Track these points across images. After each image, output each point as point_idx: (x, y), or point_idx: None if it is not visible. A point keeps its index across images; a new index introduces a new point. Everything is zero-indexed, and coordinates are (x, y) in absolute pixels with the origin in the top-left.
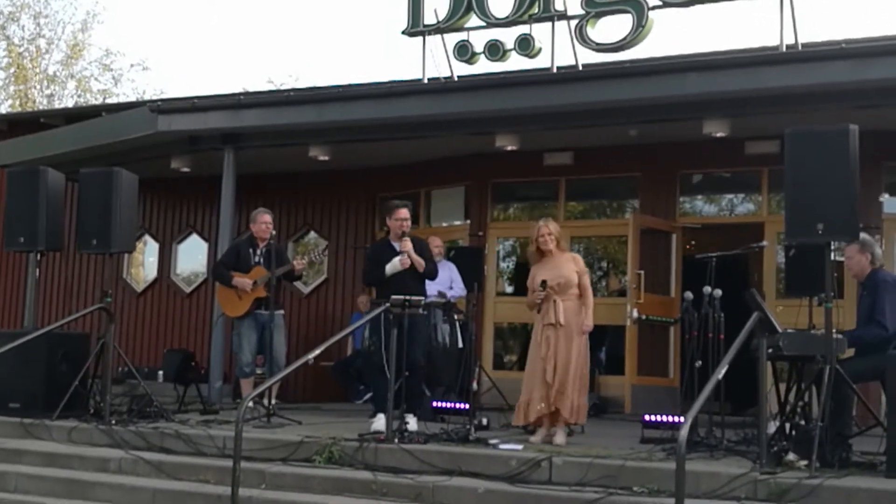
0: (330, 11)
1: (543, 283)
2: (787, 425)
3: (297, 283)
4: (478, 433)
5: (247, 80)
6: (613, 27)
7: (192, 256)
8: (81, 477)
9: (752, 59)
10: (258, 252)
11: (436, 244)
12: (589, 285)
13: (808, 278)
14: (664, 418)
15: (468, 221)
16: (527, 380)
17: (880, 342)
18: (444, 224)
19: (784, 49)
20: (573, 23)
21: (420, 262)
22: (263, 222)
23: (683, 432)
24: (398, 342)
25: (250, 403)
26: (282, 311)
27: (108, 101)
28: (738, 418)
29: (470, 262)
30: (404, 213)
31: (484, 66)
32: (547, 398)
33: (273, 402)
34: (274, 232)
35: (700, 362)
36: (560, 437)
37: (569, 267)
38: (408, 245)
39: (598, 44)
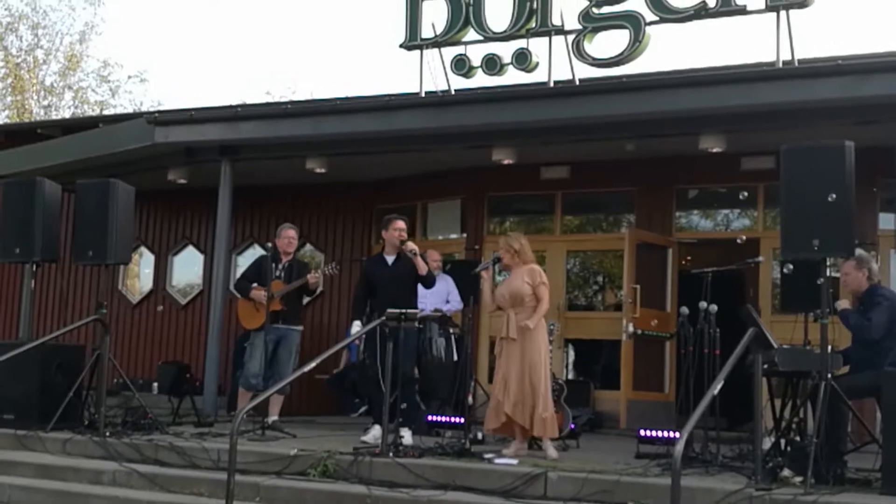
0: (328, 24)
1: (495, 260)
2: (783, 441)
3: None
4: (473, 447)
5: (244, 93)
6: (610, 42)
7: (188, 268)
8: (75, 489)
9: (749, 74)
10: (280, 266)
11: (433, 258)
12: (545, 296)
13: (803, 294)
14: (659, 433)
15: (464, 235)
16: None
17: (859, 333)
18: (441, 237)
19: (780, 65)
20: (570, 37)
21: (423, 266)
22: (287, 237)
23: (679, 448)
24: (388, 355)
25: (244, 416)
26: (300, 328)
27: (106, 112)
28: (733, 434)
29: (466, 276)
30: (401, 224)
31: (481, 79)
32: (500, 409)
33: (274, 418)
34: (269, 245)
35: None
36: (551, 451)
37: (521, 280)
38: (412, 245)
39: (595, 58)
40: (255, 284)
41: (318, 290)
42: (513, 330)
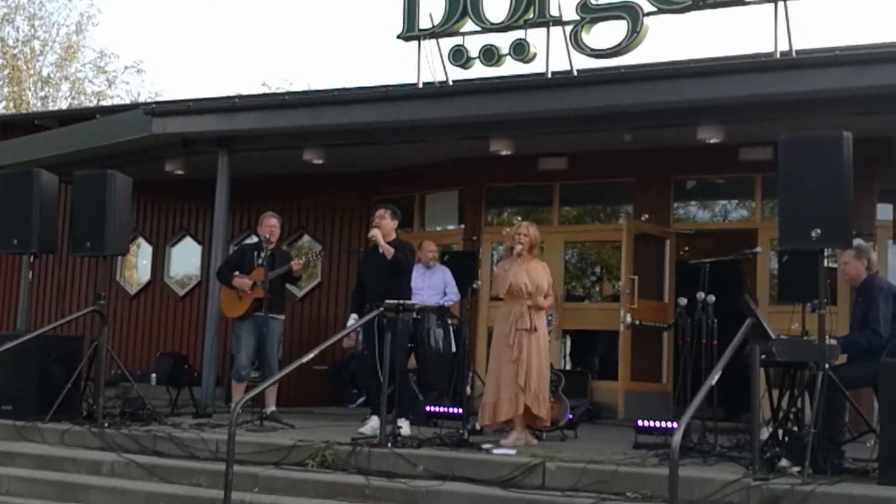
0: (325, 15)
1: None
2: (780, 431)
3: (291, 287)
4: (471, 437)
5: (241, 83)
6: (608, 33)
7: (186, 259)
8: (74, 480)
9: (747, 65)
10: (262, 255)
11: (430, 248)
12: (551, 290)
13: (801, 284)
14: (657, 424)
15: (462, 226)
16: (492, 381)
17: (873, 349)
18: (439, 228)
19: (778, 56)
20: (568, 28)
21: (388, 250)
22: (269, 225)
23: (677, 438)
24: (383, 346)
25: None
26: (282, 317)
27: (103, 103)
28: (731, 424)
29: (464, 267)
30: (379, 212)
31: (479, 70)
32: (516, 400)
33: (272, 409)
34: (266, 236)
35: None
36: (531, 438)
37: (543, 275)
38: (374, 232)
39: (593, 49)
40: (236, 273)
41: (317, 281)
42: (536, 321)
